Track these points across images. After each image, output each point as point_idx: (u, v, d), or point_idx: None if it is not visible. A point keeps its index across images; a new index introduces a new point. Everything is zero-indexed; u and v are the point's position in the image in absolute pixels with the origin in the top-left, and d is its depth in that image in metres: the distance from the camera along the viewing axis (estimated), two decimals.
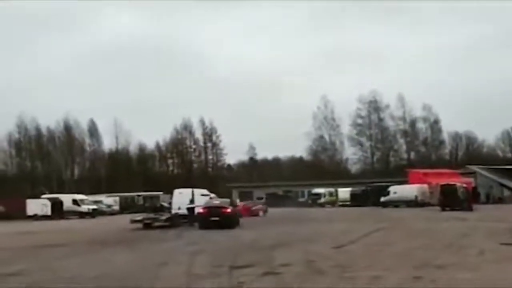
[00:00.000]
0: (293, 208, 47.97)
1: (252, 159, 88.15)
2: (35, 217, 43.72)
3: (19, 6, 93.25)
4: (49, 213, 45.30)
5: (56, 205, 46.71)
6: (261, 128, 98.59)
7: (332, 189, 58.03)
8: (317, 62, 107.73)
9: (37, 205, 46.31)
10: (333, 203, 56.29)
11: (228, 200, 31.43)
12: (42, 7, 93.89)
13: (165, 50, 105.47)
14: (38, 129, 76.86)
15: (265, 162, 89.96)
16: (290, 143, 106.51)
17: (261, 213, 39.56)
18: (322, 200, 56.27)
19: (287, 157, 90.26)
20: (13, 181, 69.34)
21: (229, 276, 10.66)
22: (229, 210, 25.68)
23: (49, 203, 46.50)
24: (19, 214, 44.99)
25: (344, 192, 56.84)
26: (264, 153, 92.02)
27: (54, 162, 76.61)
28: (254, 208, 40.26)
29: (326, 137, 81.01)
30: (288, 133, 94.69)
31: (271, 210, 41.17)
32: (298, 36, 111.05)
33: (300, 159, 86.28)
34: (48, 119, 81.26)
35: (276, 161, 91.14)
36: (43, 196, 50.31)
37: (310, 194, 58.37)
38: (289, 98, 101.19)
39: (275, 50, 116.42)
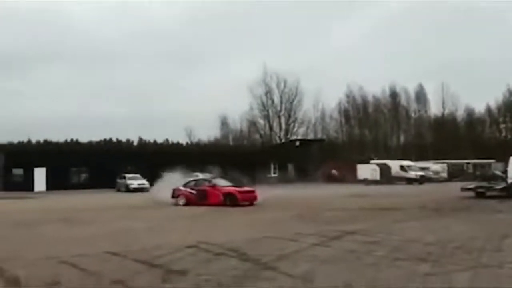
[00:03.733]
0: None
1: None
2: (365, 181, 46.43)
3: None
4: (378, 178, 47.51)
5: (385, 170, 48.62)
6: None
7: None
8: None
9: (367, 170, 49.13)
10: None
11: None
12: None
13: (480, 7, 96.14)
14: (364, 98, 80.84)
15: None
16: None
17: None
18: None
19: None
20: (343, 148, 75.21)
21: None
22: None
23: (378, 169, 48.76)
24: (350, 178, 48.78)
25: None
26: None
27: (381, 129, 79.51)
28: None
29: None
30: None
31: None
32: None
33: None
34: (374, 87, 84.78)
35: None
36: (372, 161, 53.04)
37: None
38: None
39: None
